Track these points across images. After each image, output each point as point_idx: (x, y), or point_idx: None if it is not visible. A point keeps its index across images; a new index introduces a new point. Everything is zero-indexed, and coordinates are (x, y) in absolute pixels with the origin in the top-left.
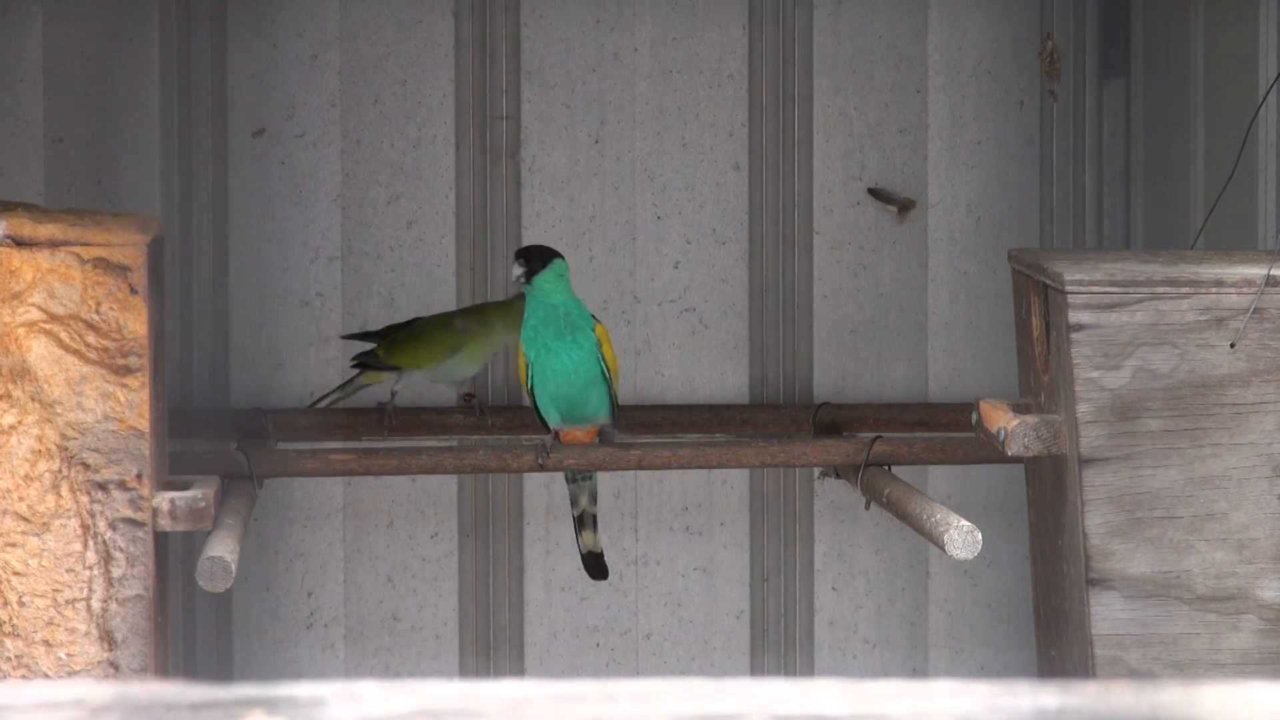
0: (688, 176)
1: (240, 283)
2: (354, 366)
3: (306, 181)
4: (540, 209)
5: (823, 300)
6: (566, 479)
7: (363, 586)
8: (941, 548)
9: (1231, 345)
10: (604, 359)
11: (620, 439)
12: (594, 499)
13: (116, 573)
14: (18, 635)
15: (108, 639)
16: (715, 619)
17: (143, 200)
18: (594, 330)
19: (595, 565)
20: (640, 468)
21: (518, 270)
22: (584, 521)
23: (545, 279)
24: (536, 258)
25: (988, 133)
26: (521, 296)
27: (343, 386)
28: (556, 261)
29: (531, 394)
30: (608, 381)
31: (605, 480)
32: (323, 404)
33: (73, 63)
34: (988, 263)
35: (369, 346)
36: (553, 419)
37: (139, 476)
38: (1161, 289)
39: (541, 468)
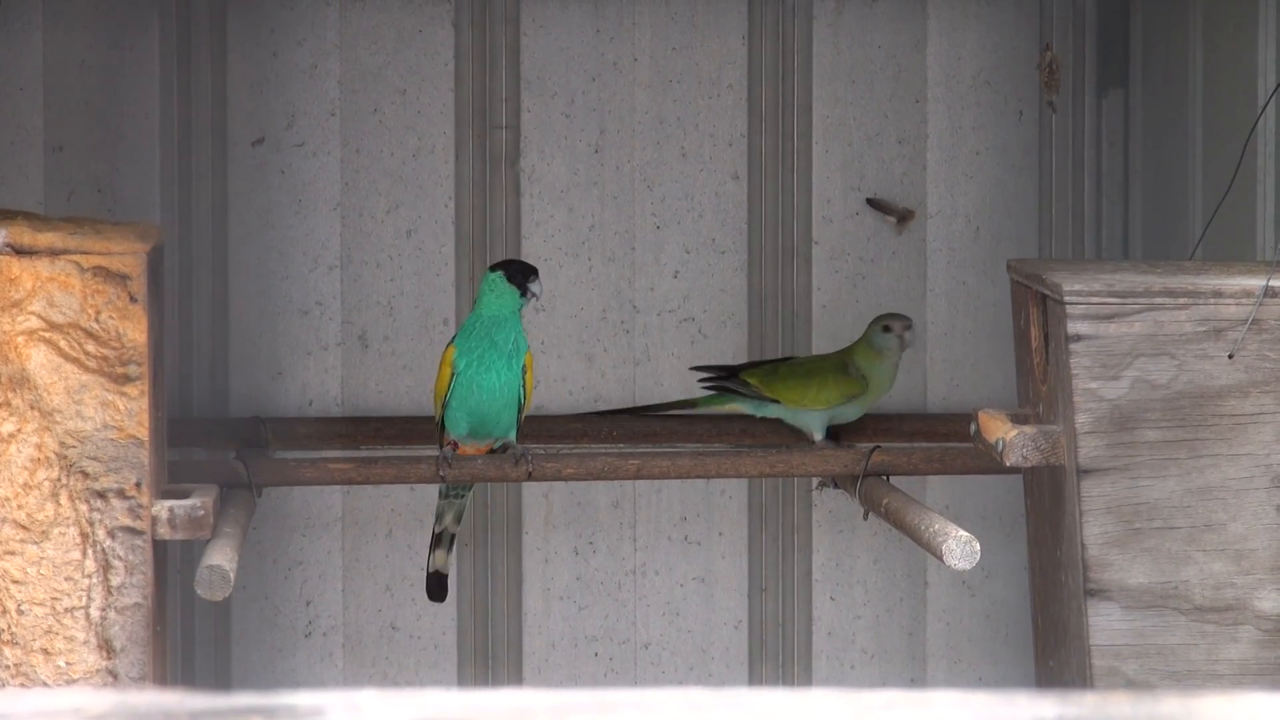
0: (687, 186)
1: (240, 291)
2: (710, 388)
3: (306, 190)
4: (540, 218)
5: (822, 310)
6: (440, 493)
7: (361, 595)
8: (940, 558)
9: (1230, 356)
10: (524, 384)
11: (526, 452)
12: (459, 519)
13: (115, 581)
14: (16, 643)
15: (106, 647)
16: (713, 629)
17: (142, 209)
18: (525, 353)
19: (437, 586)
20: (639, 477)
21: (539, 287)
22: (441, 540)
23: (484, 292)
24: (530, 268)
25: (987, 143)
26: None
27: (690, 403)
28: (491, 275)
29: (445, 404)
30: (521, 406)
31: (603, 490)
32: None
33: (73, 71)
34: (986, 273)
35: (708, 376)
36: (459, 431)
37: (138, 485)
38: (1160, 300)
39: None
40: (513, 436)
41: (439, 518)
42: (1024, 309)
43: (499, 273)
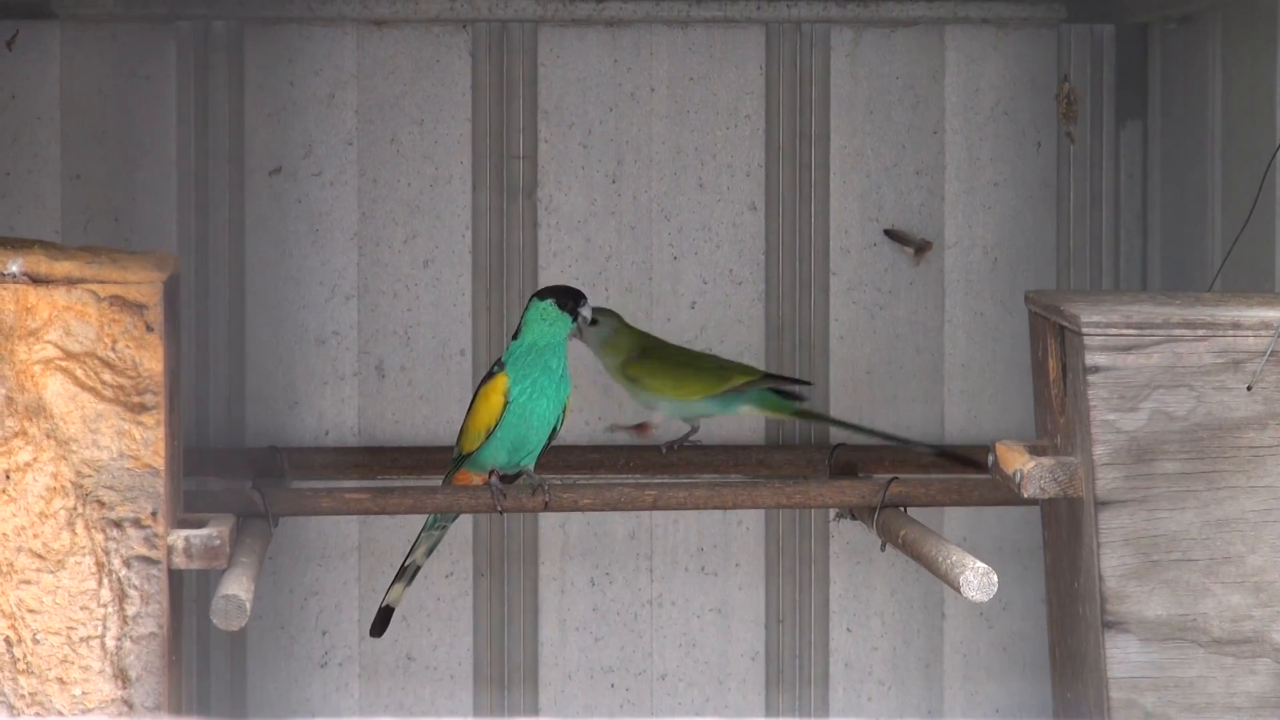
0: (704, 217)
1: (256, 321)
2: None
3: (323, 220)
4: (557, 248)
5: (839, 341)
6: (426, 524)
7: None
8: (957, 589)
9: (1248, 388)
10: (564, 409)
11: (544, 482)
12: (429, 552)
13: (131, 610)
14: (32, 673)
15: (122, 677)
16: (730, 660)
17: (159, 238)
18: (569, 381)
19: (383, 621)
20: (656, 508)
21: (588, 311)
22: (405, 573)
23: (530, 319)
24: (578, 294)
25: (1005, 174)
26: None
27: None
28: (540, 304)
29: (489, 433)
30: (554, 433)
31: (620, 520)
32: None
33: (90, 100)
34: (1004, 304)
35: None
36: (498, 460)
37: (154, 514)
38: (1178, 331)
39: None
40: (530, 465)
41: (413, 549)
42: (1042, 340)
43: (549, 301)
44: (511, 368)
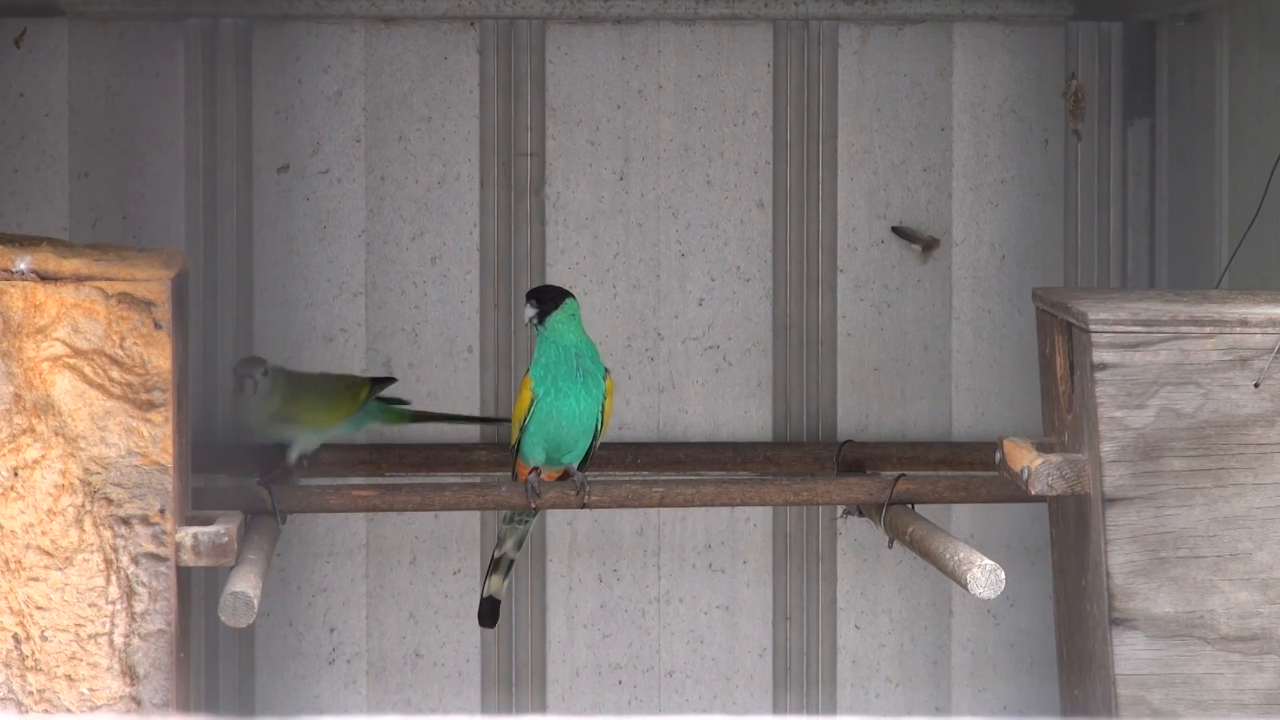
0: (712, 214)
1: (264, 318)
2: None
3: (331, 217)
4: (564, 246)
5: (846, 338)
6: (504, 518)
7: (385, 622)
8: (965, 586)
9: (1256, 385)
10: (603, 411)
11: (585, 481)
12: (519, 545)
13: (139, 607)
14: (40, 670)
15: (130, 674)
16: (738, 656)
17: (167, 235)
18: (604, 380)
19: (490, 612)
20: (663, 505)
21: (530, 312)
22: (499, 565)
23: (558, 319)
24: (548, 298)
25: (1012, 171)
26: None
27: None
28: (568, 302)
29: (522, 429)
30: (597, 433)
31: (627, 517)
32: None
33: (98, 98)
34: (1012, 301)
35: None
36: (536, 457)
37: (162, 511)
38: (1186, 329)
39: (534, 510)
40: (576, 465)
41: (500, 542)
42: (1049, 337)
43: (574, 299)
44: (536, 365)
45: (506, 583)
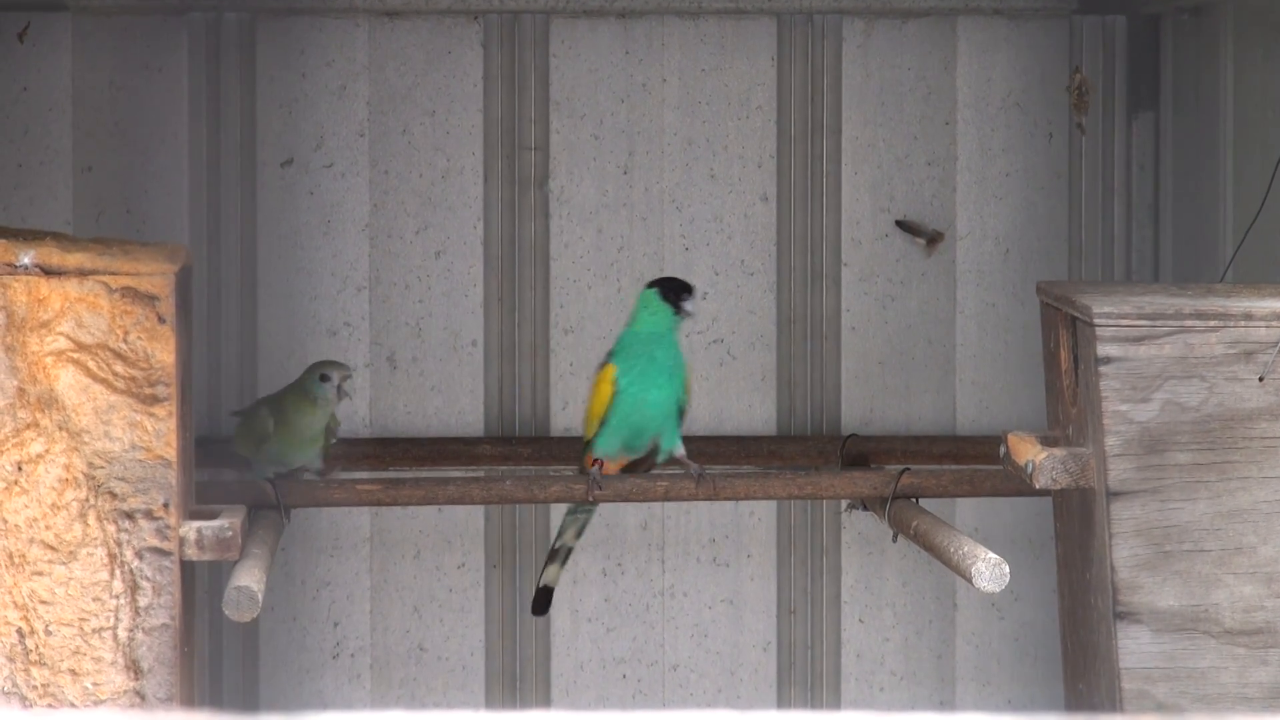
0: (716, 208)
1: (268, 312)
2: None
3: (335, 211)
4: (568, 239)
5: (851, 332)
6: (567, 509)
7: (389, 617)
8: (969, 580)
9: (1260, 379)
10: (686, 389)
11: (703, 471)
12: (579, 534)
13: (143, 602)
14: (44, 664)
15: (134, 668)
16: (742, 650)
17: (171, 230)
18: (685, 369)
19: (543, 600)
20: (667, 499)
21: (693, 305)
22: (558, 555)
23: (638, 308)
24: (684, 286)
25: (1016, 165)
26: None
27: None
28: (645, 291)
29: (602, 421)
30: (682, 415)
31: (632, 511)
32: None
33: (102, 92)
34: (1016, 295)
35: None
36: (612, 449)
37: (166, 506)
38: (1190, 322)
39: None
40: (678, 447)
41: (560, 532)
42: (1054, 331)
43: (654, 290)
44: (619, 357)
45: (561, 571)
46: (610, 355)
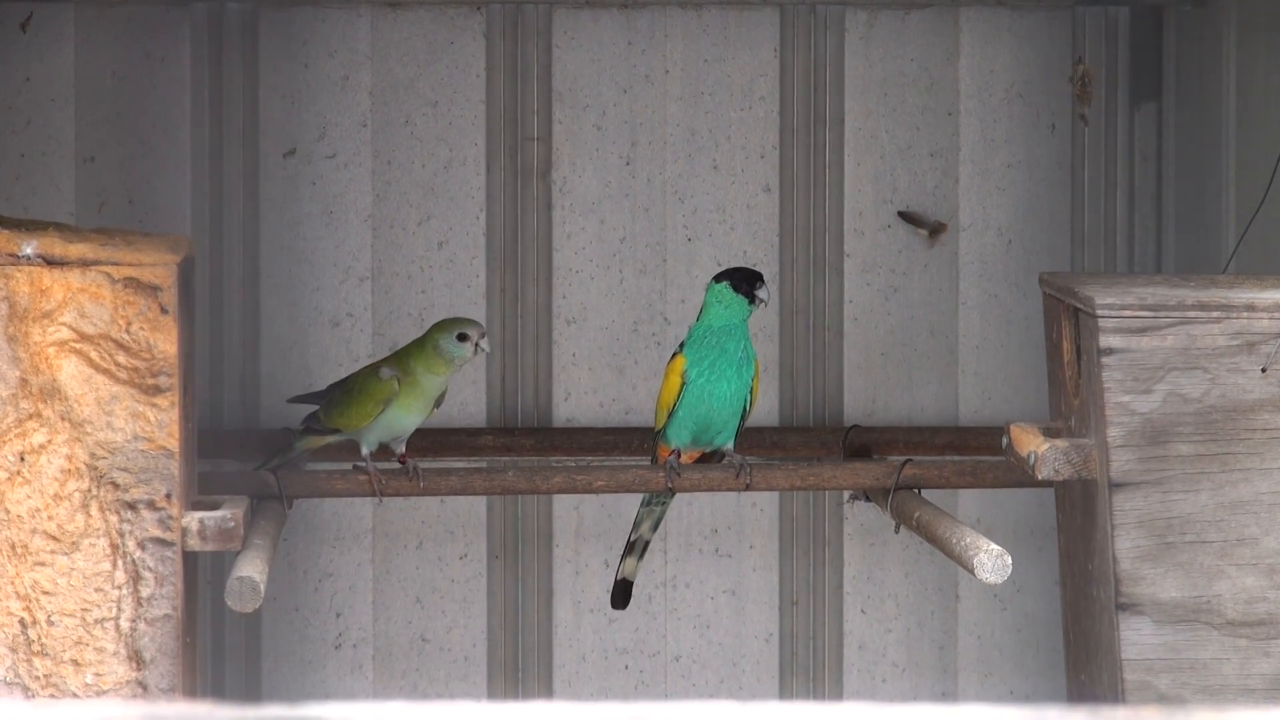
0: (718, 199)
1: (271, 303)
2: (301, 431)
3: (337, 202)
4: (570, 230)
5: (853, 323)
6: (642, 501)
7: (391, 607)
8: (971, 572)
9: (1263, 370)
10: (752, 392)
11: (745, 463)
12: (655, 526)
13: (145, 592)
14: (46, 654)
15: (136, 659)
16: (744, 642)
17: (173, 220)
18: (754, 362)
19: (623, 593)
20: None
21: (766, 293)
22: (634, 547)
23: (709, 301)
24: (755, 274)
25: (1019, 156)
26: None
27: (283, 452)
28: (712, 284)
29: (671, 412)
30: (745, 413)
31: (634, 502)
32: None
33: (104, 83)
34: (1019, 286)
35: (314, 408)
36: (682, 440)
37: (168, 496)
38: (1193, 313)
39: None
40: (730, 445)
41: (637, 525)
42: (1056, 322)
43: (725, 283)
44: (690, 350)
45: (639, 564)
46: (681, 346)
